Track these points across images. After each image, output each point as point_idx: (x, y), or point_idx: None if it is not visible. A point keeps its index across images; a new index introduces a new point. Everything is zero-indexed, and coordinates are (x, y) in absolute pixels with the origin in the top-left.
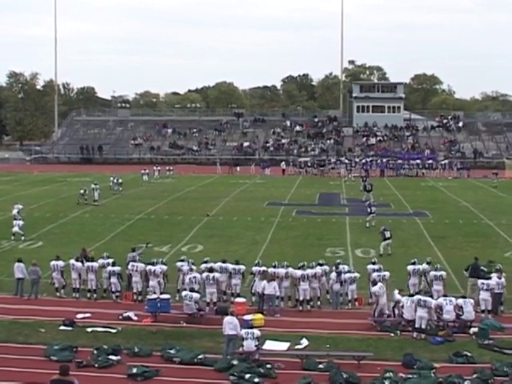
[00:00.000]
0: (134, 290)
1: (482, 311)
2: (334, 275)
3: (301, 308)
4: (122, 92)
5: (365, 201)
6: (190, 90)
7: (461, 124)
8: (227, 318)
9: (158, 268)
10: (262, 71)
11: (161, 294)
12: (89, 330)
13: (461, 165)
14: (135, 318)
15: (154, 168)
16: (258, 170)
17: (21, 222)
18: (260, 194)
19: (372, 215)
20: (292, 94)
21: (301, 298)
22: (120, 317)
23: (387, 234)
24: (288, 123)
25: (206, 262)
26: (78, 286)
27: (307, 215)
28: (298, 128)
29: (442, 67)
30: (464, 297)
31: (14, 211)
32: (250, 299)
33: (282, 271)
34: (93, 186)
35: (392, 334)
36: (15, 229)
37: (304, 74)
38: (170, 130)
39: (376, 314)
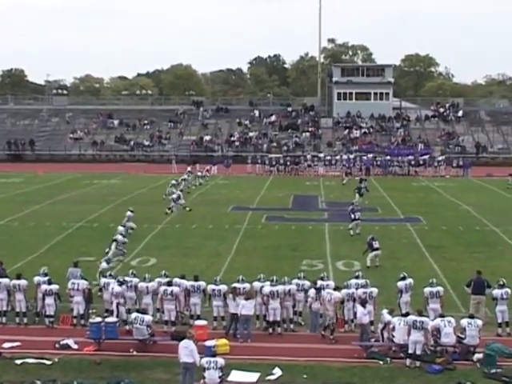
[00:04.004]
0: (75, 313)
1: (499, 325)
2: (312, 292)
3: (271, 331)
4: (58, 76)
5: (353, 205)
6: (139, 74)
7: (460, 113)
8: (182, 343)
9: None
10: (226, 52)
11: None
12: (18, 362)
13: (461, 161)
14: (75, 346)
15: None
16: (221, 168)
17: None
18: (223, 197)
19: (356, 222)
20: (261, 79)
21: (270, 319)
22: (56, 345)
23: (376, 244)
24: (256, 113)
25: (166, 276)
26: (4, 309)
27: (279, 221)
28: (268, 119)
29: (438, 46)
30: (471, 316)
31: None
32: (212, 322)
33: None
34: None
35: (381, 362)
36: None
37: (275, 55)
38: (116, 122)
39: (362, 337)
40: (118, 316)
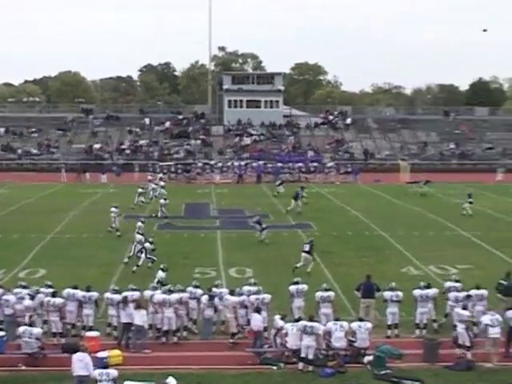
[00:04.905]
0: None
1: (389, 326)
2: (205, 299)
3: (164, 339)
4: None
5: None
6: (26, 81)
7: (349, 121)
8: (76, 356)
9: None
10: (115, 59)
11: None
12: None
13: (350, 168)
14: None
15: None
16: (112, 177)
17: None
18: None
19: (265, 231)
20: (151, 87)
21: (165, 328)
22: None
23: (306, 248)
24: (147, 121)
25: (50, 286)
26: None
27: (171, 230)
28: (158, 127)
29: (326, 55)
30: (361, 320)
31: None
32: (105, 332)
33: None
34: None
35: (274, 367)
36: None
37: (165, 63)
38: (1, 130)
39: (256, 343)
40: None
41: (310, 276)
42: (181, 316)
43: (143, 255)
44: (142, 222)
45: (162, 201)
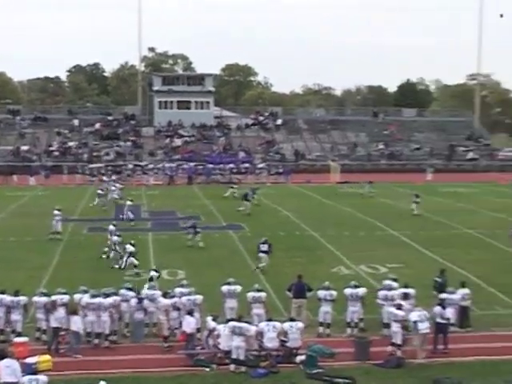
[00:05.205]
0: None
1: (321, 324)
2: (134, 301)
3: (97, 341)
4: None
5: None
6: None
7: (279, 122)
8: (4, 362)
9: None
10: (43, 59)
11: None
12: None
13: (281, 168)
14: None
15: None
16: (40, 179)
17: None
18: (43, 209)
19: (199, 235)
20: (80, 87)
21: (96, 331)
22: None
23: (263, 247)
24: (76, 122)
25: None
26: None
27: (102, 232)
28: (88, 128)
29: (256, 56)
30: (292, 320)
31: None
32: (34, 337)
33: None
34: None
35: (207, 369)
36: None
37: (95, 64)
38: None
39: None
40: None
41: (239, 277)
42: (114, 320)
43: (131, 258)
44: (114, 226)
45: (128, 202)
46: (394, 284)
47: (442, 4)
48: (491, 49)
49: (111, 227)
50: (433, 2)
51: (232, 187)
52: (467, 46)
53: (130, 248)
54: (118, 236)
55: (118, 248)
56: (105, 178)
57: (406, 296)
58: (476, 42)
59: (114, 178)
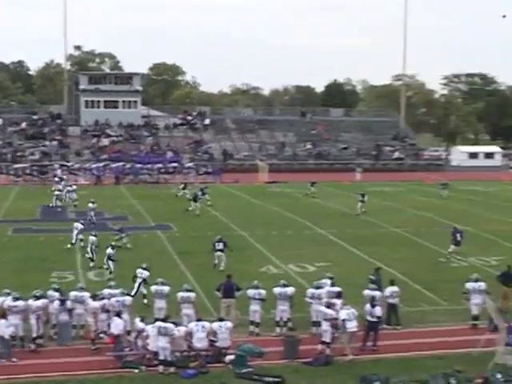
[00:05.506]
0: None
1: (251, 322)
2: (57, 304)
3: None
4: None
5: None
6: None
7: (207, 121)
8: None
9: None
10: None
11: None
12: None
13: (210, 168)
14: None
15: None
16: None
17: None
18: None
19: (126, 238)
20: (3, 86)
21: (20, 334)
22: None
23: (219, 246)
24: (0, 121)
25: None
26: None
27: (27, 233)
28: (12, 127)
29: (184, 56)
30: (221, 319)
31: None
32: None
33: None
34: None
35: (136, 371)
36: None
37: (19, 62)
38: None
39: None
40: None
41: (168, 278)
42: (41, 323)
43: (110, 262)
44: (82, 224)
45: (90, 204)
46: (329, 282)
47: (377, 4)
48: (416, 50)
49: (77, 224)
50: (367, 2)
51: (183, 188)
52: (394, 46)
53: (109, 251)
54: (95, 236)
55: (94, 248)
56: (56, 178)
57: (339, 295)
58: (402, 42)
59: (64, 177)
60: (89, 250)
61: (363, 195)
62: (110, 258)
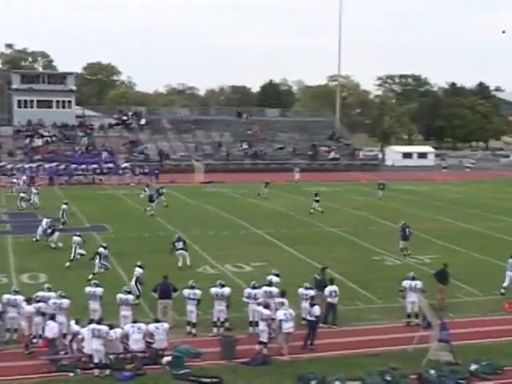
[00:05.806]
0: None
1: (214, 323)
2: None
3: None
4: None
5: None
6: None
7: (143, 121)
8: None
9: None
10: None
11: None
12: None
13: (146, 169)
14: None
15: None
16: None
17: None
18: None
19: (55, 235)
20: None
21: None
22: None
23: (179, 245)
24: None
25: None
26: None
27: None
28: None
29: (119, 56)
30: (157, 321)
31: None
32: None
33: None
34: None
35: (71, 374)
36: None
37: None
38: None
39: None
40: None
41: (103, 280)
42: None
43: (97, 261)
44: (48, 218)
45: (63, 206)
46: (275, 278)
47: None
48: (351, 51)
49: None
50: (303, 3)
51: (144, 189)
52: (330, 47)
53: (101, 250)
54: (79, 236)
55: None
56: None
57: (283, 294)
58: (337, 43)
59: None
60: (72, 249)
61: (316, 194)
62: (98, 256)
